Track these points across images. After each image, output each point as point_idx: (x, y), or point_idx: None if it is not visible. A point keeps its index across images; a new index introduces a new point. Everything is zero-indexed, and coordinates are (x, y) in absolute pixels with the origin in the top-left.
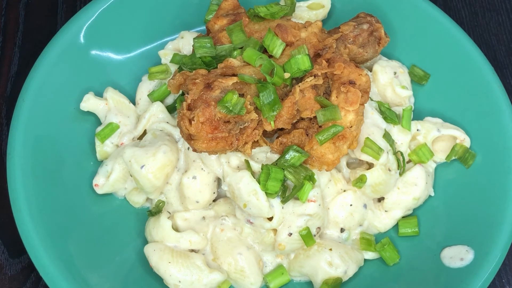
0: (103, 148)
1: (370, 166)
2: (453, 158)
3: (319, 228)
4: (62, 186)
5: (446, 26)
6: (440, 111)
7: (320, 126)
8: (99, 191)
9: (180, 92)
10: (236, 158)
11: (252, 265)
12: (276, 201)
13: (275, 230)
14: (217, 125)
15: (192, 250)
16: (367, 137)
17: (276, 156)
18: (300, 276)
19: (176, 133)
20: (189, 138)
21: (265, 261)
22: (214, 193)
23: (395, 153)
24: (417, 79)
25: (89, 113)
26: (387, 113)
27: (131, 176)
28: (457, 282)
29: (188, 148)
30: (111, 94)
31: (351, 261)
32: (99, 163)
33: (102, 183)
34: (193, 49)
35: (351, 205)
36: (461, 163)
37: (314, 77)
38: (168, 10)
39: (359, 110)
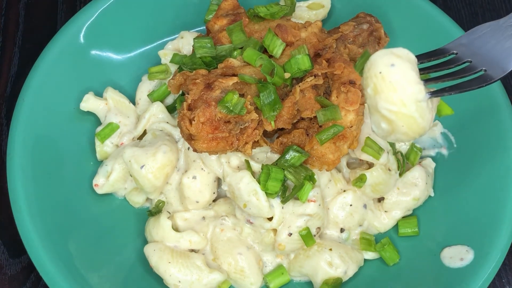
0: (103, 148)
1: (370, 166)
2: None
3: (319, 228)
4: (62, 186)
5: (446, 26)
6: None
7: (320, 126)
8: (99, 191)
9: (180, 92)
10: (236, 158)
11: (252, 265)
12: (276, 201)
13: (275, 230)
14: (218, 125)
15: (192, 250)
16: (368, 137)
17: (276, 156)
18: (300, 276)
19: (176, 133)
20: (189, 138)
21: (265, 261)
22: (214, 193)
23: (395, 154)
24: None
25: (89, 113)
26: None
27: (131, 176)
28: (457, 282)
29: (188, 148)
30: (111, 94)
31: (351, 261)
32: (99, 163)
33: (102, 183)
34: (193, 49)
35: (351, 205)
36: (461, 165)
37: (314, 77)
38: (168, 10)
39: (359, 110)
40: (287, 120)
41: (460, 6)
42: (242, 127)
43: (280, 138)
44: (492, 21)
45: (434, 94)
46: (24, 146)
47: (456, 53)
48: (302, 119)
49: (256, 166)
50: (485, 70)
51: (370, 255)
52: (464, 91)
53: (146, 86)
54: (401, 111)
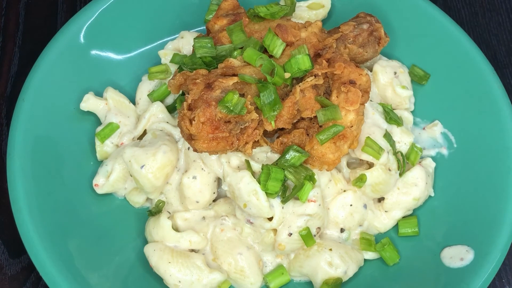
0: (103, 148)
1: (370, 166)
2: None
3: (319, 228)
4: (62, 186)
5: (446, 26)
6: (440, 111)
7: (320, 126)
8: (99, 191)
9: (180, 92)
10: (236, 158)
11: (252, 265)
12: (276, 201)
13: (275, 230)
14: (218, 125)
15: (192, 250)
16: (368, 137)
17: (276, 156)
18: (300, 276)
19: (176, 133)
20: (189, 138)
21: (265, 261)
22: (214, 193)
23: (395, 154)
24: (417, 79)
25: (89, 113)
26: (391, 114)
27: (131, 176)
28: (457, 282)
29: (188, 148)
30: (111, 94)
31: (351, 261)
32: (99, 163)
33: (102, 183)
34: (193, 49)
35: (351, 205)
36: (461, 165)
37: (315, 77)
38: (168, 10)
39: (359, 109)
40: (287, 120)
41: (460, 6)
42: (242, 127)
43: (280, 138)
44: None
45: None
46: (24, 146)
47: None
48: (302, 119)
49: (256, 166)
50: None
51: (370, 255)
52: None
53: (146, 86)
54: None
